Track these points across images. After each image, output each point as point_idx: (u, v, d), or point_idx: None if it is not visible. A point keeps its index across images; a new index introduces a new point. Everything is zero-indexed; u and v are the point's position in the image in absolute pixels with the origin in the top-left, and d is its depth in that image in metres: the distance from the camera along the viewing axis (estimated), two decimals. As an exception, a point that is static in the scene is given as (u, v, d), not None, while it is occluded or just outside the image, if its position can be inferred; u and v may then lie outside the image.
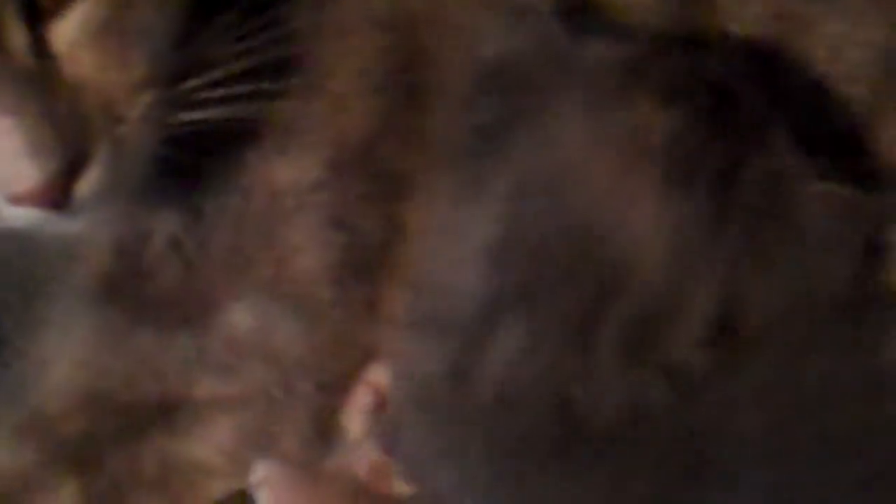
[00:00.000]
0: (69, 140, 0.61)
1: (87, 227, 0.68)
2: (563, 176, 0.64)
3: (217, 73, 0.66)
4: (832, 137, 0.67)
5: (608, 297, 0.61)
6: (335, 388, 0.74)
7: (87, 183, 0.63)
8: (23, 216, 0.63)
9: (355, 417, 0.72)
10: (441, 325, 0.65)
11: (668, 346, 0.61)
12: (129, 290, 0.72)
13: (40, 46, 0.61)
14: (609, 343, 0.61)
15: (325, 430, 0.73)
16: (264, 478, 0.64)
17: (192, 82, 0.65)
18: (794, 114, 0.65)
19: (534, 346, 0.62)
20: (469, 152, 0.67)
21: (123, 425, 0.73)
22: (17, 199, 0.61)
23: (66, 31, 0.62)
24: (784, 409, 0.61)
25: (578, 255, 0.62)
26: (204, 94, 0.66)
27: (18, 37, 0.60)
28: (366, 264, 0.73)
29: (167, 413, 0.73)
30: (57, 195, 0.62)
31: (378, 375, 0.72)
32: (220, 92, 0.66)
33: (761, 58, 0.68)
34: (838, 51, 0.71)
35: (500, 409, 0.62)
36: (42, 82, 0.61)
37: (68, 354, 0.73)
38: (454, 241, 0.66)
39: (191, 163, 0.68)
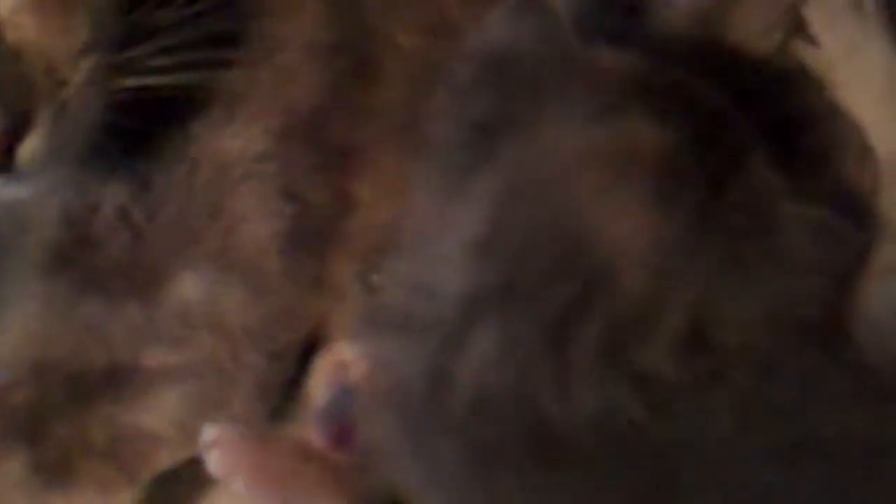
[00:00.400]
0: (11, 102, 0.62)
1: (35, 197, 0.69)
2: (555, 179, 0.64)
3: (162, 41, 0.66)
4: (814, 166, 0.68)
5: (586, 302, 0.61)
6: (284, 359, 0.74)
7: (31, 146, 0.63)
8: (-34, 181, 0.63)
9: (320, 390, 0.72)
10: (420, 324, 0.64)
11: (641, 355, 0.61)
12: (77, 260, 0.72)
13: (-19, 12, 0.62)
14: (583, 349, 0.61)
15: (275, 400, 0.74)
16: (214, 440, 0.64)
17: (137, 49, 0.66)
18: (777, 139, 0.66)
19: (509, 348, 0.62)
20: (461, 145, 0.67)
21: (72, 395, 0.73)
22: (-41, 162, 0.62)
23: (8, -3, 0.62)
24: (760, 423, 0.61)
25: (561, 259, 0.62)
26: (148, 62, 0.66)
27: (-40, 2, 0.61)
28: (314, 236, 0.73)
29: (116, 383, 0.73)
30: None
31: (343, 352, 0.72)
32: (164, 59, 0.66)
33: (755, 86, 0.68)
34: None
35: (476, 414, 0.62)
36: (-16, 46, 0.62)
37: (17, 324, 0.73)
38: (438, 237, 0.66)
39: (138, 131, 0.69)
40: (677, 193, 0.62)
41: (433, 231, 0.66)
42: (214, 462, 0.64)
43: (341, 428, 0.68)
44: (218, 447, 0.64)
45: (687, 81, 0.66)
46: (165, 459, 0.74)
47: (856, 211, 0.66)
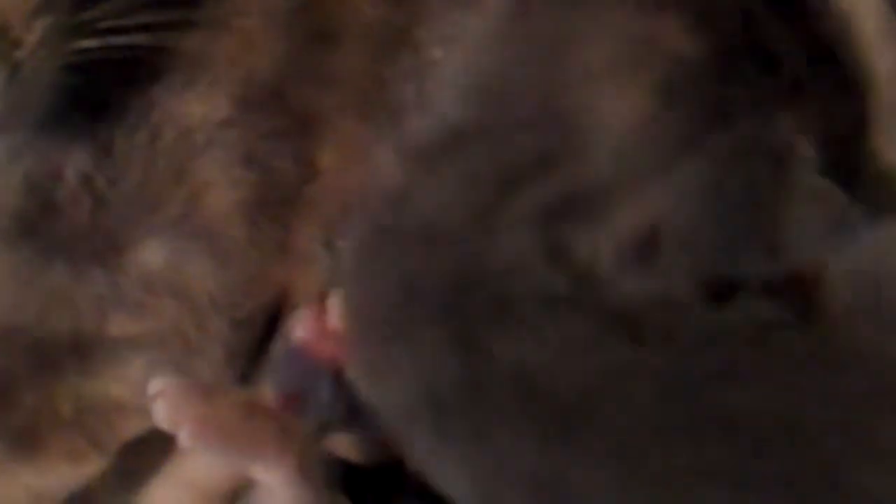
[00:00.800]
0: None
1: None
2: (570, 44, 0.64)
3: (117, 2, 0.67)
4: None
5: (549, 162, 0.61)
6: (250, 325, 0.74)
7: (-14, 108, 0.64)
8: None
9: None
10: (408, 144, 0.65)
11: (581, 237, 0.60)
12: (42, 228, 0.72)
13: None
14: (525, 204, 0.60)
15: (241, 367, 0.74)
16: (160, 391, 0.64)
17: (92, 10, 0.66)
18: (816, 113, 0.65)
19: (462, 184, 0.62)
20: None
21: (39, 364, 0.73)
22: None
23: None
24: (683, 392, 0.58)
25: (547, 117, 0.62)
26: (104, 23, 0.67)
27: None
28: (277, 202, 0.74)
29: (81, 352, 0.73)
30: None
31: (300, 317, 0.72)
32: (120, 21, 0.67)
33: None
34: None
35: (420, 240, 0.62)
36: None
37: (-17, 292, 0.74)
38: (450, 68, 0.67)
39: (99, 96, 0.70)
40: (682, 97, 0.62)
41: (451, 62, 0.67)
42: (159, 413, 0.63)
43: (294, 388, 0.68)
44: (163, 398, 0.63)
45: (746, 15, 0.65)
46: (132, 428, 0.74)
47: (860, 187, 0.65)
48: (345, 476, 0.66)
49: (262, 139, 0.73)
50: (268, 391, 0.70)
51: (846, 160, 0.65)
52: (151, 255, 0.73)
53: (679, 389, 0.57)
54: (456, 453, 0.59)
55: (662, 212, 0.61)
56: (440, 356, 0.59)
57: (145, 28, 0.68)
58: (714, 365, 0.58)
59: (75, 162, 0.72)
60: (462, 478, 0.59)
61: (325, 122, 0.74)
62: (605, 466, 0.57)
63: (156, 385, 0.64)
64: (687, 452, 0.57)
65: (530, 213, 0.60)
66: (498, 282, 0.59)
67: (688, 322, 0.59)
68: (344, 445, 0.70)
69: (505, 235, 0.60)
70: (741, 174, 0.63)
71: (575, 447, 0.57)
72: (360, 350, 0.62)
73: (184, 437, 0.63)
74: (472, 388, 0.58)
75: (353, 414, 0.66)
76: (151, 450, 0.74)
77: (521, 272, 0.60)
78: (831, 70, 0.67)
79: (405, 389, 0.60)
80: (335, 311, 0.66)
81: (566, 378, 0.58)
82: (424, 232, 0.61)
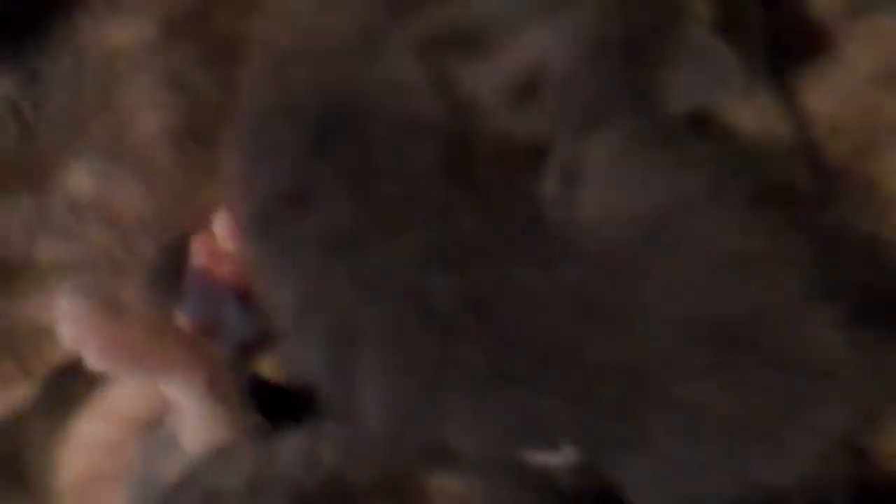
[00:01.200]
0: None
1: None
2: None
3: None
4: None
5: None
6: (177, 250, 0.74)
7: None
8: None
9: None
10: None
11: (469, 74, 0.60)
12: None
13: None
14: (417, 36, 0.61)
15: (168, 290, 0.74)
16: (66, 311, 0.64)
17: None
18: None
19: (355, 7, 0.62)
20: None
21: (-33, 290, 0.74)
22: None
23: None
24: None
25: None
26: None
27: None
28: (204, 127, 0.73)
29: (10, 278, 0.74)
30: None
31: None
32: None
33: None
34: None
35: (303, 64, 0.62)
36: None
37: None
38: None
39: (24, 21, 0.69)
40: None
41: None
42: (66, 332, 0.63)
43: (203, 314, 0.68)
44: (70, 317, 0.63)
45: None
46: (60, 354, 0.74)
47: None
48: (266, 396, 0.66)
49: (188, 64, 0.73)
50: (182, 320, 0.70)
51: (740, 18, 0.64)
52: (79, 179, 0.73)
53: (468, 236, 0.58)
54: (280, 264, 0.59)
55: (545, 54, 0.60)
56: (285, 167, 0.59)
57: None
58: (506, 228, 0.59)
59: (2, 89, 0.71)
60: (285, 288, 0.60)
61: (251, 46, 0.73)
62: (380, 301, 0.58)
63: (63, 304, 0.63)
64: (449, 292, 0.58)
65: (418, 41, 0.60)
66: (374, 101, 0.60)
67: (516, 170, 0.59)
68: (269, 367, 0.70)
69: (390, 58, 0.60)
70: (627, 23, 0.62)
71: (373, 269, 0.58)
72: (231, 165, 0.62)
73: (90, 356, 0.62)
74: (301, 198, 0.59)
75: (266, 332, 0.66)
76: (80, 378, 0.74)
77: (400, 96, 0.60)
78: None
79: (250, 200, 0.60)
80: (223, 232, 0.66)
81: (396, 200, 0.58)
82: (310, 49, 0.61)
